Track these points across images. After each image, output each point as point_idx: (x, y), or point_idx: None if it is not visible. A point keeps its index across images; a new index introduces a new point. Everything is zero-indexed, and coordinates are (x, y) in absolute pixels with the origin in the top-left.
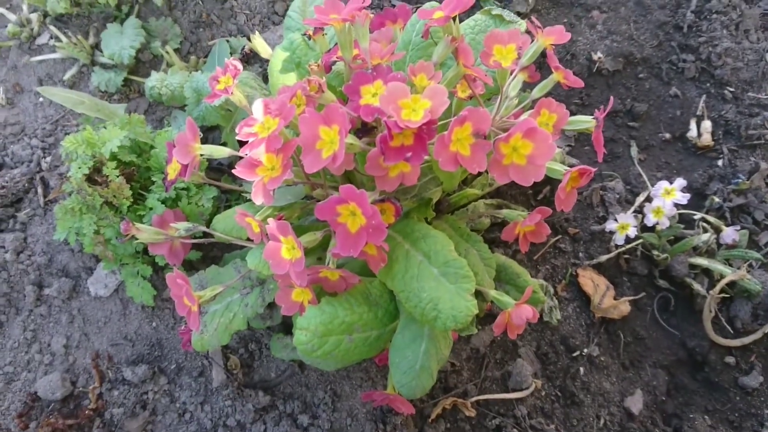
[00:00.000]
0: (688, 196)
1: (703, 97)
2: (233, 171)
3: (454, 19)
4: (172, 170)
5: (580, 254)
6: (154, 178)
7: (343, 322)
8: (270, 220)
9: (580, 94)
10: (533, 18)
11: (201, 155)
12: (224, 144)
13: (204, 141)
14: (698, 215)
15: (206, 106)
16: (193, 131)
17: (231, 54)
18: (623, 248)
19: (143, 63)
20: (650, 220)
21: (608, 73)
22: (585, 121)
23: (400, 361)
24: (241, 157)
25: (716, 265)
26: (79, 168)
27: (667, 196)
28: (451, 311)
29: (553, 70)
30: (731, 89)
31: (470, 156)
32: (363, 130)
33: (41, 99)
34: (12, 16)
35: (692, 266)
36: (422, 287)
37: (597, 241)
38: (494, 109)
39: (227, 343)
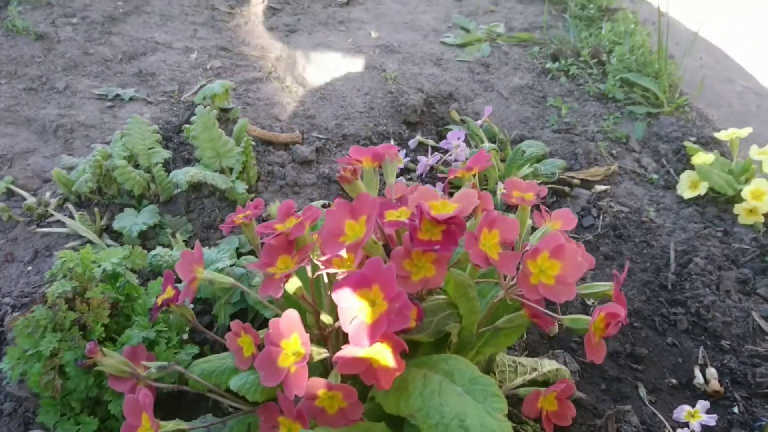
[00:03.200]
0: (715, 417)
1: (701, 347)
2: (247, 266)
3: (474, 175)
4: (162, 299)
5: None
6: (136, 318)
7: None
8: (273, 320)
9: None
10: (541, 206)
11: (202, 278)
12: (215, 317)
13: (196, 313)
14: None
15: None
16: (199, 254)
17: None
18: None
19: (147, 249)
20: None
21: None
22: (602, 286)
23: None
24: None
25: None
26: (62, 285)
27: (692, 419)
28: (482, 428)
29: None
30: (727, 342)
31: (499, 261)
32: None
33: (29, 268)
34: (32, 199)
35: None
36: (445, 401)
37: None
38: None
39: None
